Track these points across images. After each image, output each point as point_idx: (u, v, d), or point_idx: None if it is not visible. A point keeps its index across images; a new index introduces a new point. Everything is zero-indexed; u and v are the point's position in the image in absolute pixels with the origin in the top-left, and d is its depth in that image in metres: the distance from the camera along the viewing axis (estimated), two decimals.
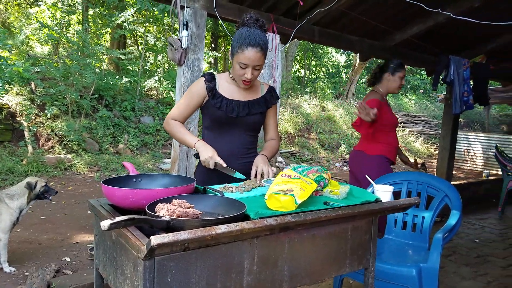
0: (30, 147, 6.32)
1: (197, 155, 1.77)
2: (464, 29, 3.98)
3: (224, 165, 1.68)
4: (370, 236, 1.46)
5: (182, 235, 0.98)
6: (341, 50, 21.76)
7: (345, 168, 9.29)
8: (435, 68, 4.61)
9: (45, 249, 3.29)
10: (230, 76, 1.86)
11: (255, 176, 1.71)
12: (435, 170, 5.67)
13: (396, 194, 2.56)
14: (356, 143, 11.96)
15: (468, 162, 10.48)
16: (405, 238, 2.41)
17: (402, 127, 14.13)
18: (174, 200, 1.20)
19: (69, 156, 6.51)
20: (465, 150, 10.52)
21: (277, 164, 8.33)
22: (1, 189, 4.94)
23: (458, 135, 5.77)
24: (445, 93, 9.28)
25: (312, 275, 1.33)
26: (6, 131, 6.53)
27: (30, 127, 6.67)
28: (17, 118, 6.74)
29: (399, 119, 14.38)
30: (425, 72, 6.48)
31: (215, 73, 1.92)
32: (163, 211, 1.13)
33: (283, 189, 1.37)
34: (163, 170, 6.86)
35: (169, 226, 1.06)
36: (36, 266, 2.86)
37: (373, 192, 1.56)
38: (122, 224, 0.93)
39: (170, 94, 9.76)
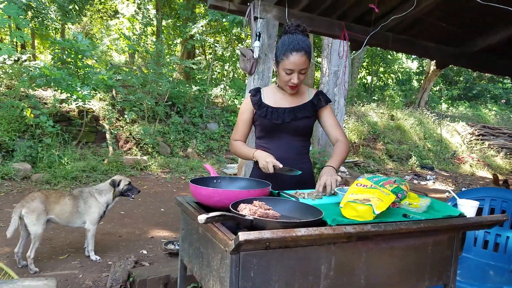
0: (111, 148, 6.93)
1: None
2: None
3: (280, 165, 1.70)
4: (452, 252, 1.40)
5: (266, 234, 1.04)
6: (413, 56, 20.76)
7: (415, 181, 8.80)
8: None
9: (125, 242, 3.59)
10: (277, 85, 1.93)
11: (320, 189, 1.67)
12: None
13: (477, 212, 2.40)
14: (428, 155, 11.29)
15: None
16: (486, 258, 2.24)
17: (481, 140, 13.01)
18: (255, 201, 1.26)
19: (144, 157, 7.02)
20: None
21: (339, 173, 8.16)
22: (86, 185, 5.48)
23: None
24: None
25: (389, 286, 1.31)
26: (91, 133, 7.24)
27: (111, 130, 7.32)
28: (100, 122, 7.44)
29: (477, 131, 13.27)
30: (508, 81, 5.97)
31: (260, 83, 1.99)
32: (246, 210, 1.20)
33: (359, 198, 1.37)
34: (226, 174, 7.10)
35: (252, 225, 1.12)
36: (117, 256, 3.13)
37: (455, 207, 1.49)
38: (216, 219, 1.03)
39: (234, 102, 10.09)
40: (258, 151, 1.83)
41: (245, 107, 1.94)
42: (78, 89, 6.34)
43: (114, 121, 7.61)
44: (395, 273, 1.32)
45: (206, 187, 1.41)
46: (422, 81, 16.96)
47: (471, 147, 12.73)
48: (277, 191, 1.60)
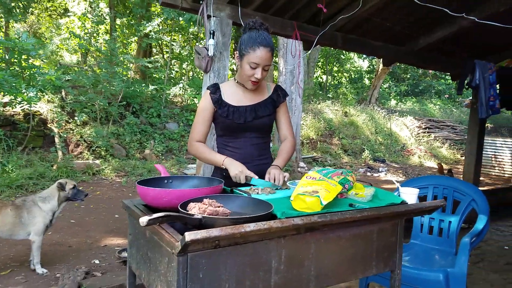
0: (60, 153, 6.58)
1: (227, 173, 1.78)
2: (489, 33, 3.91)
3: (256, 177, 1.70)
4: (396, 238, 1.47)
5: (214, 232, 1.03)
6: (364, 56, 21.62)
7: (368, 173, 9.18)
8: (460, 73, 4.54)
9: (75, 252, 3.42)
10: (236, 81, 1.90)
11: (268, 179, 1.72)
12: (461, 176, 5.54)
13: (422, 199, 2.54)
14: (379, 148, 11.82)
15: (496, 168, 10.16)
16: (431, 243, 2.38)
17: (428, 132, 13.85)
18: (205, 200, 1.25)
19: (97, 161, 6.73)
20: (493, 156, 10.20)
21: (299, 169, 8.33)
22: (33, 193, 5.16)
23: (485, 141, 5.63)
24: (471, 97, 9.07)
25: (338, 276, 1.36)
26: (38, 137, 6.82)
27: (61, 134, 6.94)
28: (48, 125, 7.03)
29: (423, 124, 14.09)
30: (450, 77, 6.38)
31: (217, 81, 1.96)
32: (195, 209, 1.18)
33: (308, 190, 1.40)
34: (187, 175, 6.98)
35: (201, 224, 1.11)
36: (66, 268, 2.97)
37: (398, 195, 1.57)
38: (159, 220, 0.99)
39: (194, 101, 9.95)
40: (228, 159, 1.78)
41: (205, 105, 1.88)
42: (23, 91, 5.94)
43: (63, 124, 7.23)
44: (343, 262, 1.36)
45: (155, 187, 1.38)
46: (372, 79, 17.70)
47: (418, 139, 13.51)
48: (230, 188, 1.59)
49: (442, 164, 8.28)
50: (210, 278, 1.10)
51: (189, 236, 0.98)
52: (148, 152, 7.71)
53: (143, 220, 0.97)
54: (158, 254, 1.20)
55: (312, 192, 1.38)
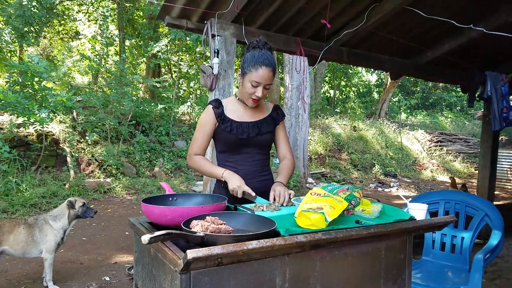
0: (72, 172, 6.66)
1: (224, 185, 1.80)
2: (499, 44, 3.89)
3: (253, 194, 1.70)
4: (405, 256, 1.43)
5: (216, 249, 1.02)
6: (372, 69, 21.64)
7: (379, 189, 9.05)
8: (470, 85, 4.49)
9: (86, 269, 3.42)
10: (237, 98, 1.93)
11: (274, 200, 1.72)
12: (475, 190, 5.42)
13: (433, 214, 2.49)
14: (390, 163, 11.68)
15: None
16: (443, 260, 2.32)
17: (439, 146, 13.66)
18: (207, 217, 1.25)
19: (108, 180, 6.79)
20: (508, 169, 9.96)
21: (307, 185, 8.26)
22: (46, 212, 5.21)
23: (499, 153, 5.52)
24: (483, 110, 8.95)
25: None
26: (51, 157, 6.94)
27: (72, 153, 7.05)
28: (60, 145, 7.16)
29: (435, 138, 13.91)
30: (460, 89, 6.32)
31: (221, 99, 1.98)
32: (198, 227, 1.18)
33: (312, 207, 1.38)
34: (195, 192, 6.99)
35: (204, 241, 1.10)
36: (78, 284, 2.98)
37: (407, 211, 1.54)
38: (161, 238, 0.99)
39: None
40: (227, 172, 1.79)
41: (207, 119, 1.89)
42: (36, 112, 6.09)
43: (75, 144, 7.35)
44: (350, 280, 1.33)
45: (160, 205, 1.38)
46: (381, 93, 17.66)
47: (430, 153, 13.32)
48: (233, 205, 1.59)
49: (455, 178, 8.13)
50: None
51: (191, 254, 0.97)
52: (158, 170, 7.76)
53: (145, 238, 0.97)
54: (162, 272, 1.19)
55: (316, 209, 1.36)
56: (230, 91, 3.27)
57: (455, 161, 12.95)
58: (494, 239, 2.04)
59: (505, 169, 9.96)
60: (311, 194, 1.51)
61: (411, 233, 1.44)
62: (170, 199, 1.57)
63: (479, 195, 4.95)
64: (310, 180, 8.54)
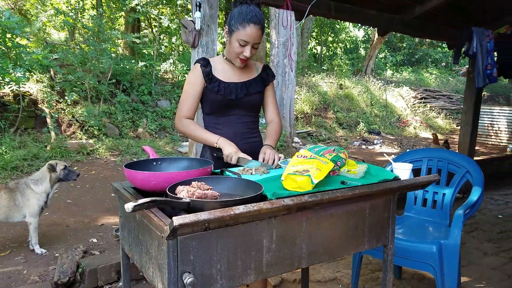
0: (53, 133, 6.50)
1: (218, 154, 1.75)
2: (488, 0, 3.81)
3: (250, 158, 1.67)
4: (388, 214, 1.46)
5: (202, 215, 1.01)
6: (359, 25, 21.19)
7: (363, 146, 9.20)
8: (456, 41, 4.45)
9: (73, 231, 3.43)
10: (224, 57, 1.83)
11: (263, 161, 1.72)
12: (457, 146, 5.55)
13: (416, 172, 2.54)
14: (375, 120, 11.80)
15: (492, 136, 10.18)
16: (425, 215, 2.40)
17: (423, 102, 13.80)
18: (193, 182, 1.22)
19: (90, 141, 6.67)
20: (489, 125, 10.20)
21: (293, 144, 8.32)
22: (28, 174, 5.14)
23: (481, 109, 5.60)
24: (467, 66, 8.97)
25: (330, 253, 1.35)
26: (29, 118, 6.73)
27: (52, 114, 6.84)
28: (38, 105, 6.92)
29: (419, 94, 14.01)
30: (446, 45, 6.25)
31: (205, 56, 1.89)
32: (183, 193, 1.15)
33: (299, 169, 1.37)
34: (181, 153, 6.97)
35: (190, 207, 1.09)
36: (65, 247, 2.99)
37: (391, 171, 1.55)
38: (145, 206, 0.97)
39: (185, 77, 9.76)
40: (222, 138, 1.74)
41: (195, 79, 1.80)
42: (10, 71, 5.79)
43: (54, 104, 7.11)
44: (335, 239, 1.36)
45: (143, 171, 1.34)
46: (368, 49, 17.45)
47: (414, 110, 13.49)
48: (220, 170, 1.56)
49: (438, 134, 8.30)
50: (201, 259, 1.09)
51: (177, 220, 0.96)
52: (141, 131, 7.65)
53: (128, 206, 0.94)
54: (148, 237, 1.18)
55: (303, 171, 1.36)
56: (214, 48, 3.13)
57: (438, 117, 13.17)
58: (474, 195, 2.10)
59: (485, 125, 10.21)
60: (297, 156, 1.50)
61: (396, 192, 1.45)
62: (154, 163, 1.53)
63: (460, 151, 5.08)
64: (296, 139, 8.58)
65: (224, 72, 1.82)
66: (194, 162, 1.57)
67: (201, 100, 1.87)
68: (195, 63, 1.85)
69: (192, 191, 1.16)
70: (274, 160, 1.70)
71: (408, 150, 8.56)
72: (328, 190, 1.28)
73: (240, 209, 1.07)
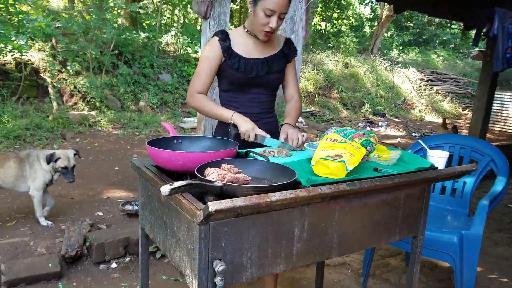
0: (55, 103, 6.37)
1: (233, 130, 1.66)
2: None
3: (268, 136, 1.58)
4: (422, 204, 1.39)
5: (238, 202, 0.94)
6: (365, 1, 20.61)
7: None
8: (476, 22, 4.28)
9: (78, 204, 3.38)
10: (246, 30, 1.72)
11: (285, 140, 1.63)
12: (466, 131, 5.47)
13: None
14: (380, 102, 11.63)
15: (500, 122, 9.91)
16: (443, 204, 2.34)
17: (430, 85, 13.58)
18: (223, 165, 1.15)
19: (92, 113, 6.55)
20: (497, 111, 9.90)
21: (296, 124, 8.21)
22: (30, 144, 5.06)
23: None
24: (478, 48, 8.71)
25: (361, 243, 1.29)
26: (31, 87, 6.58)
27: (54, 84, 6.69)
28: (40, 75, 6.75)
29: (426, 76, 13.78)
30: (454, 26, 6.05)
31: (228, 30, 1.77)
32: (214, 175, 1.08)
33: (330, 154, 1.29)
34: (183, 129, 6.86)
35: (222, 192, 1.01)
36: (71, 220, 2.94)
37: (425, 158, 1.47)
38: (181, 189, 0.90)
39: (187, 50, 9.52)
40: (237, 114, 1.63)
41: (212, 53, 1.67)
42: (13, 38, 5.59)
43: (56, 74, 6.93)
44: (367, 229, 1.29)
45: (166, 149, 1.26)
46: (374, 28, 17.05)
47: (420, 92, 13.29)
48: (244, 151, 1.48)
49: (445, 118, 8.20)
50: (232, 246, 1.03)
51: (213, 206, 0.89)
52: (143, 104, 7.51)
53: (165, 189, 0.87)
54: (176, 220, 1.12)
55: (335, 156, 1.28)
56: (226, 20, 3.01)
57: (443, 101, 13.00)
58: (499, 185, 2.04)
59: (494, 110, 9.96)
60: (326, 140, 1.42)
61: (432, 182, 1.38)
62: (175, 141, 1.45)
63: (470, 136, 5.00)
64: (300, 119, 8.47)
65: (244, 46, 1.71)
66: (217, 142, 1.48)
67: (218, 75, 1.76)
68: (213, 36, 1.73)
69: (223, 174, 1.09)
70: (298, 140, 1.61)
71: (413, 133, 8.48)
72: (365, 178, 1.20)
73: (276, 196, 1.00)
